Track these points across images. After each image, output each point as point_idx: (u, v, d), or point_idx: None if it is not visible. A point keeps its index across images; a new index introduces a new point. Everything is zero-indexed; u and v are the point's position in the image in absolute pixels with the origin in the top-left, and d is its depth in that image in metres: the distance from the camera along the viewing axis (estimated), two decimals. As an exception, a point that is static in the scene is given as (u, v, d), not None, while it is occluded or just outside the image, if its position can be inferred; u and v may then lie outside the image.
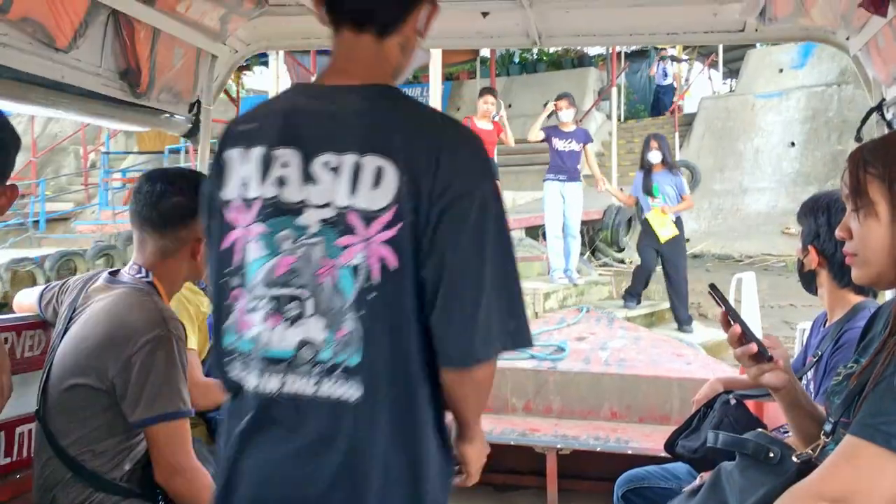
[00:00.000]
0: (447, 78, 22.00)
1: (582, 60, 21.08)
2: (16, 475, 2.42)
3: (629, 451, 3.98)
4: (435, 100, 10.18)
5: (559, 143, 8.27)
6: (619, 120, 17.82)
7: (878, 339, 1.61)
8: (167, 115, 3.01)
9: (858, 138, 2.70)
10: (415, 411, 1.39)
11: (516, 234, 11.83)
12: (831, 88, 14.56)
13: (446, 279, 1.33)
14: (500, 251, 1.38)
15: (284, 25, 3.28)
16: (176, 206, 2.16)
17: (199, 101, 3.13)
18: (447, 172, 1.33)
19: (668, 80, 18.71)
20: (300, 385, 1.37)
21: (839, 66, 14.60)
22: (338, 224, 1.35)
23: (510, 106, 20.15)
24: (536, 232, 12.61)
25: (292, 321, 1.37)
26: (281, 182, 1.38)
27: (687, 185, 8.02)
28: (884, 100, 2.67)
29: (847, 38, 2.78)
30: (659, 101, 19.28)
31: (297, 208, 1.37)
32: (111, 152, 16.27)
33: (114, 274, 2.20)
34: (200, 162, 3.22)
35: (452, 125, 1.46)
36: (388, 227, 1.32)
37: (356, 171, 1.34)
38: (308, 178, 1.37)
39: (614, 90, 17.86)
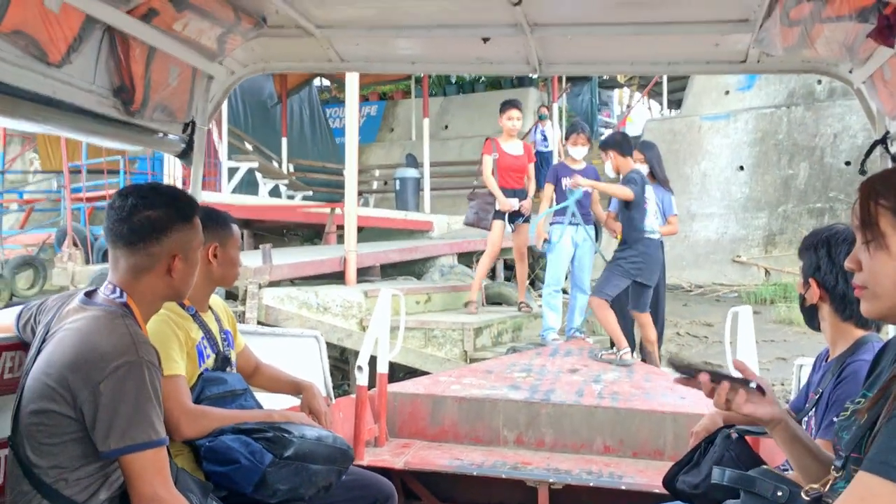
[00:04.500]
0: (381, 97, 21.54)
1: (522, 81, 19.56)
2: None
3: (622, 487, 3.90)
4: (351, 121, 9.36)
5: (570, 183, 7.18)
6: (560, 143, 17.40)
7: (886, 373, 1.58)
8: (160, 134, 2.96)
9: (863, 171, 2.67)
10: None
11: (448, 261, 11.23)
12: (780, 110, 14.12)
13: None
14: None
15: (282, 47, 3.25)
16: (147, 220, 2.10)
17: (193, 122, 3.08)
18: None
19: (549, 147, 14.98)
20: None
21: (787, 87, 14.23)
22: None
23: (446, 127, 19.72)
24: (471, 258, 12.02)
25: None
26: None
27: (675, 205, 7.21)
28: (888, 132, 2.64)
29: (850, 71, 2.77)
30: (539, 170, 16.17)
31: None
32: (5, 171, 15.44)
33: (90, 294, 2.13)
34: (193, 182, 3.17)
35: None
36: None
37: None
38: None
39: (556, 111, 17.38)
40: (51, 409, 1.91)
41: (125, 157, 12.65)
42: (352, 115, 9.19)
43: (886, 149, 2.66)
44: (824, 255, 2.34)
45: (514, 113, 7.81)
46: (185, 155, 3.12)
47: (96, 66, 2.48)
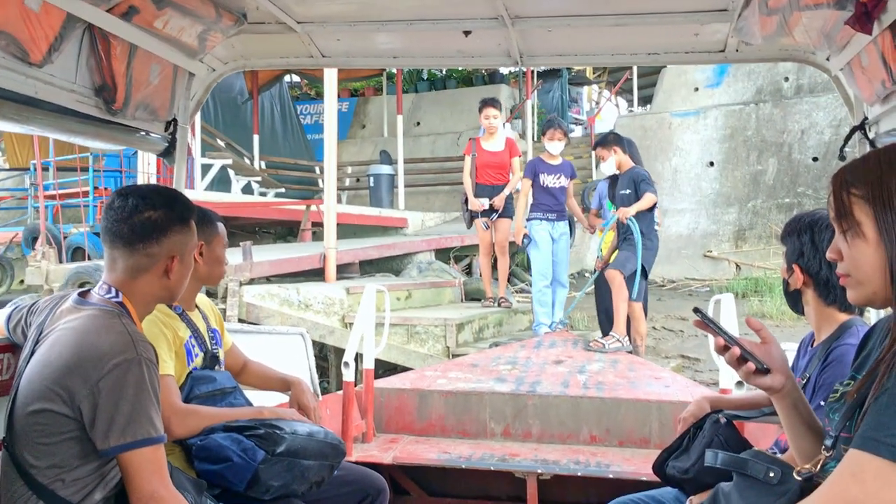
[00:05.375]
0: (352, 94, 21.39)
1: (493, 77, 20.03)
2: (-18, 506, 2.31)
3: (610, 475, 3.93)
4: (330, 117, 9.33)
5: (548, 179, 7.41)
6: (532, 139, 17.14)
7: (875, 353, 1.60)
8: (143, 133, 2.94)
9: (842, 157, 2.71)
10: None
11: (425, 258, 11.23)
12: (748, 107, 14.42)
13: None
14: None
15: (262, 44, 3.24)
16: (148, 220, 2.10)
17: (175, 120, 3.07)
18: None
19: None
20: None
21: (755, 84, 14.51)
22: None
23: (418, 124, 19.67)
24: (447, 254, 12.10)
25: None
26: None
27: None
28: (866, 118, 2.68)
29: (828, 58, 2.80)
30: None
31: None
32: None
33: (83, 295, 2.12)
34: (176, 181, 3.15)
35: None
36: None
37: None
38: None
39: (528, 108, 17.27)
40: (48, 408, 1.90)
41: (91, 153, 12.49)
42: (330, 111, 9.18)
43: (865, 135, 2.70)
44: (807, 240, 2.36)
45: (490, 111, 8.00)
46: (168, 154, 3.10)
47: (77, 65, 2.46)
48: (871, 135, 2.68)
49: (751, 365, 1.70)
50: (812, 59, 2.92)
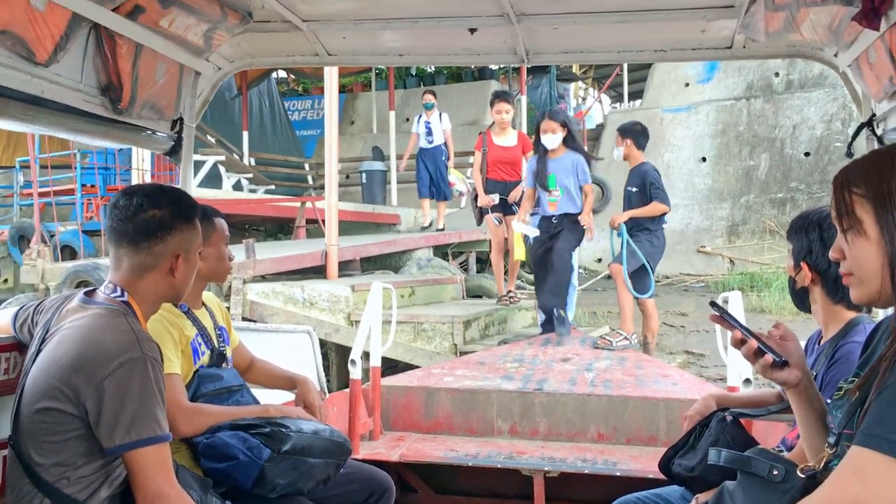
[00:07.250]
0: (340, 90, 21.07)
1: (483, 73, 19.98)
2: (-11, 504, 2.32)
3: (617, 473, 3.92)
4: (331, 113, 9.24)
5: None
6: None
7: (878, 351, 1.60)
8: (148, 132, 2.96)
9: (849, 154, 2.69)
10: None
11: (424, 254, 11.12)
12: (740, 102, 14.47)
13: None
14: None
15: (268, 42, 3.25)
16: (153, 219, 2.11)
17: (181, 119, 3.08)
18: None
19: (433, 142, 11.91)
20: None
21: (746, 80, 14.55)
22: None
23: (407, 120, 19.31)
24: (445, 250, 11.96)
25: None
26: None
27: (588, 171, 6.72)
28: (874, 115, 2.67)
29: (835, 55, 2.79)
30: (425, 173, 11.94)
31: None
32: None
33: (89, 294, 2.13)
34: (182, 180, 3.16)
35: None
36: None
37: None
38: None
39: (524, 103, 17.04)
40: (54, 407, 1.91)
41: (79, 150, 12.41)
42: (331, 107, 9.16)
43: (872, 131, 2.69)
44: (816, 237, 2.34)
45: (502, 106, 7.96)
46: (174, 152, 3.11)
47: (83, 64, 2.48)
48: (878, 131, 2.67)
49: (768, 358, 1.71)
50: (819, 55, 2.91)
